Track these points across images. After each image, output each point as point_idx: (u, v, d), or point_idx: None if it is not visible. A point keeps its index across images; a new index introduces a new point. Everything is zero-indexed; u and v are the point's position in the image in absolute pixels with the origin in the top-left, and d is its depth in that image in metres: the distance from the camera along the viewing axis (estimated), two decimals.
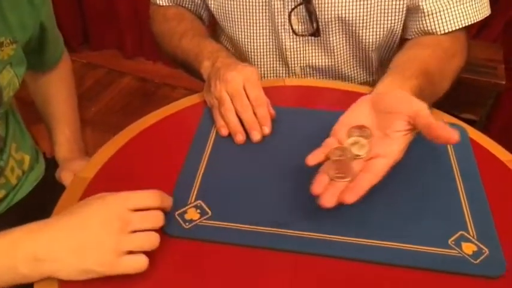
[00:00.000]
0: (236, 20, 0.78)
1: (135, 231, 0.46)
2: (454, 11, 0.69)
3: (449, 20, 0.69)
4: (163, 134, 0.65)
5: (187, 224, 0.52)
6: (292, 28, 0.76)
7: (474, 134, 0.65)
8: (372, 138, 0.53)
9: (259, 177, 0.58)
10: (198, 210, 0.53)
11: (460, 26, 0.70)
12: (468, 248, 0.50)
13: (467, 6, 0.69)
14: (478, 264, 0.49)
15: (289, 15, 0.74)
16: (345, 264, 0.49)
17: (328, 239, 0.51)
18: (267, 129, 0.63)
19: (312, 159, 0.51)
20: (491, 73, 1.34)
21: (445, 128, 0.48)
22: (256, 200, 0.55)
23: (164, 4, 0.84)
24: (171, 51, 0.80)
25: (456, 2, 0.69)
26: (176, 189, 0.56)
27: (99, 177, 0.58)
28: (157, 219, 0.47)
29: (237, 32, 0.80)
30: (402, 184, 0.57)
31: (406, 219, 0.53)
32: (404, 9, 0.72)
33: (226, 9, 0.77)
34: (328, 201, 0.48)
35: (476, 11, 0.70)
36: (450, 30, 0.70)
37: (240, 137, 0.62)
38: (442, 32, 0.71)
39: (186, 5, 0.84)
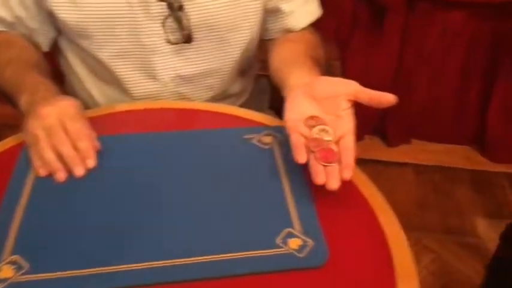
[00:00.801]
0: (98, 37, 0.74)
1: None
2: (305, 9, 0.81)
3: (303, 17, 0.81)
4: None
5: None
6: (166, 38, 0.74)
7: None
8: (328, 122, 0.59)
9: (86, 215, 0.55)
10: (13, 266, 0.48)
11: (311, 21, 0.83)
12: (294, 244, 0.53)
13: (311, 7, 0.83)
14: (304, 257, 0.51)
15: (163, 25, 0.73)
16: (186, 286, 0.48)
17: (165, 265, 0.50)
18: (90, 162, 0.61)
19: (301, 157, 0.56)
20: (328, 70, 1.45)
21: (383, 94, 0.58)
22: (82, 241, 0.52)
23: None
24: None
25: (304, 3, 0.81)
26: None
27: None
28: None
29: (100, 51, 0.76)
30: (226, 192, 0.58)
31: (232, 228, 0.54)
32: (261, 10, 0.78)
33: (86, 27, 0.73)
34: (334, 184, 0.54)
35: (316, 9, 0.84)
36: (305, 25, 0.82)
37: (60, 175, 0.59)
38: (300, 27, 0.81)
39: (20, 30, 0.77)
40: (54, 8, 0.72)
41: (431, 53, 1.48)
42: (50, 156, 0.59)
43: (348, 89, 0.59)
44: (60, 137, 0.60)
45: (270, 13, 0.81)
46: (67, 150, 0.59)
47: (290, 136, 0.59)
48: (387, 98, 0.58)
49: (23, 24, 0.77)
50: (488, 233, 1.45)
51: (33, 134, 0.60)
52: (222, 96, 0.86)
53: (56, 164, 0.59)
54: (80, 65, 0.83)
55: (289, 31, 0.82)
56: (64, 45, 0.82)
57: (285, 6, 0.80)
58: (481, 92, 1.56)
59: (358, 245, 0.54)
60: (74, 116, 0.62)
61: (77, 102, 0.64)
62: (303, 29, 0.82)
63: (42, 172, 0.59)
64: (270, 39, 0.84)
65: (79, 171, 0.60)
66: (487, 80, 1.53)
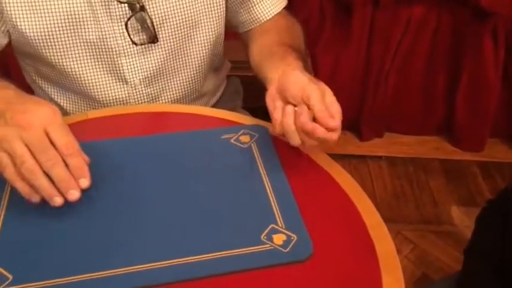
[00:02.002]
0: (62, 44, 0.72)
1: None
2: None
3: (272, 5, 0.81)
4: None
5: None
6: (131, 39, 0.73)
7: None
8: None
9: (67, 223, 0.54)
10: None
11: (280, 8, 0.83)
12: (279, 239, 0.53)
13: None
14: (288, 252, 0.52)
15: (126, 27, 0.72)
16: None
17: (151, 268, 0.50)
18: (85, 182, 0.53)
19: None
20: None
21: (327, 122, 0.56)
22: (65, 250, 0.51)
23: None
24: None
25: None
26: None
27: None
28: None
29: (65, 58, 0.74)
30: (209, 192, 0.59)
31: (217, 227, 0.55)
32: (224, 5, 0.79)
33: (49, 34, 0.71)
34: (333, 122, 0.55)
35: None
36: (275, 13, 0.82)
37: (58, 201, 0.52)
38: (271, 15, 0.82)
39: None
40: (15, 20, 0.69)
41: (398, 47, 1.52)
42: (41, 181, 0.51)
43: (313, 97, 0.57)
44: (49, 155, 0.51)
45: (239, 5, 0.81)
46: (60, 171, 0.51)
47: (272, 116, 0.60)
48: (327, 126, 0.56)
49: None
50: (463, 220, 1.49)
51: (12, 151, 0.51)
52: (194, 96, 0.86)
53: (51, 190, 0.51)
54: (41, 79, 0.81)
55: (261, 20, 0.82)
56: (23, 64, 0.80)
57: None
58: (447, 83, 1.60)
59: (340, 238, 0.55)
60: (60, 126, 0.53)
61: (57, 108, 0.55)
62: (276, 15, 0.82)
63: (35, 200, 0.52)
64: (246, 32, 0.85)
65: (74, 195, 0.52)
66: (453, 71, 1.57)
